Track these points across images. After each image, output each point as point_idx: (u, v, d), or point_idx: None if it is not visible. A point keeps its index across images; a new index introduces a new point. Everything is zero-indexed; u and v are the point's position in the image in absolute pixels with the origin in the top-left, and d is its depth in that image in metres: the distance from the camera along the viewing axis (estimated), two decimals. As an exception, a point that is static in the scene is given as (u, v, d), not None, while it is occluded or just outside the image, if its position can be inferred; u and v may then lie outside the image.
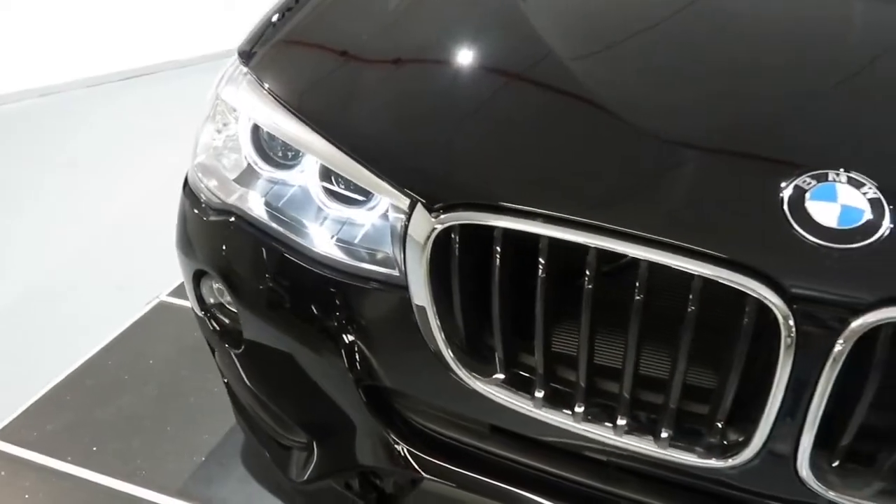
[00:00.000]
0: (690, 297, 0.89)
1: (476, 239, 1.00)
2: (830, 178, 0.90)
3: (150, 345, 2.43)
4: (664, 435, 0.99)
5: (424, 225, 1.02)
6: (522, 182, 1.01)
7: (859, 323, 0.83)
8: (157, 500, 1.97)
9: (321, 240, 1.17)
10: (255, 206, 1.23)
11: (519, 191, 0.99)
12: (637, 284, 0.91)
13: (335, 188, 1.19)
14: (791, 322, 0.85)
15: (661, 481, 1.08)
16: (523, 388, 1.06)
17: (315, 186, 1.20)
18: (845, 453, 0.93)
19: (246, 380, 1.39)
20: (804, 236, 0.86)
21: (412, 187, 1.05)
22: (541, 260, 0.96)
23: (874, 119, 0.98)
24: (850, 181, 0.89)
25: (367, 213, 1.16)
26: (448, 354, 1.06)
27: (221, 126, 1.32)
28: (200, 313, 1.40)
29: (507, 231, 0.97)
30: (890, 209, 0.86)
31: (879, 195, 0.87)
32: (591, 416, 1.03)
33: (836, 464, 0.94)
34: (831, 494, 0.94)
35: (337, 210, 1.19)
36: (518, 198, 0.98)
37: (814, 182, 0.90)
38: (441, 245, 1.01)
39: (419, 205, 1.03)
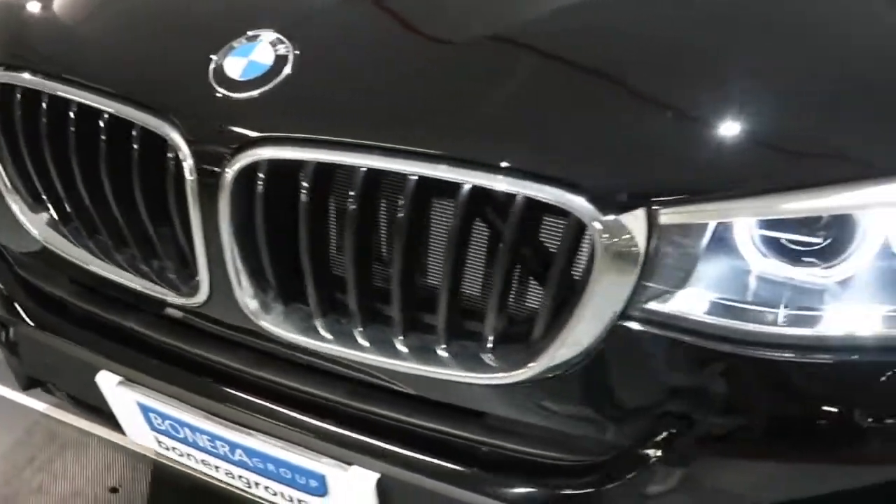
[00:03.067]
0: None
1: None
2: (260, 38, 0.99)
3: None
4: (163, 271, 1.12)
5: None
6: (62, 50, 1.14)
7: (238, 160, 0.93)
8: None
9: None
10: None
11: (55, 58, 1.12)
12: (102, 130, 1.03)
13: None
14: (191, 163, 0.96)
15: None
16: (77, 234, 1.19)
17: None
18: (285, 292, 1.03)
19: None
20: (211, 85, 0.96)
21: None
22: (72, 120, 1.07)
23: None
24: (275, 42, 0.98)
25: None
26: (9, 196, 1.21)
27: None
28: None
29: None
30: (291, 65, 0.95)
31: (290, 52, 0.96)
32: (128, 265, 1.15)
33: (274, 301, 1.03)
34: (286, 334, 1.03)
35: None
36: (49, 65, 1.10)
37: (245, 42, 0.99)
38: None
39: None
